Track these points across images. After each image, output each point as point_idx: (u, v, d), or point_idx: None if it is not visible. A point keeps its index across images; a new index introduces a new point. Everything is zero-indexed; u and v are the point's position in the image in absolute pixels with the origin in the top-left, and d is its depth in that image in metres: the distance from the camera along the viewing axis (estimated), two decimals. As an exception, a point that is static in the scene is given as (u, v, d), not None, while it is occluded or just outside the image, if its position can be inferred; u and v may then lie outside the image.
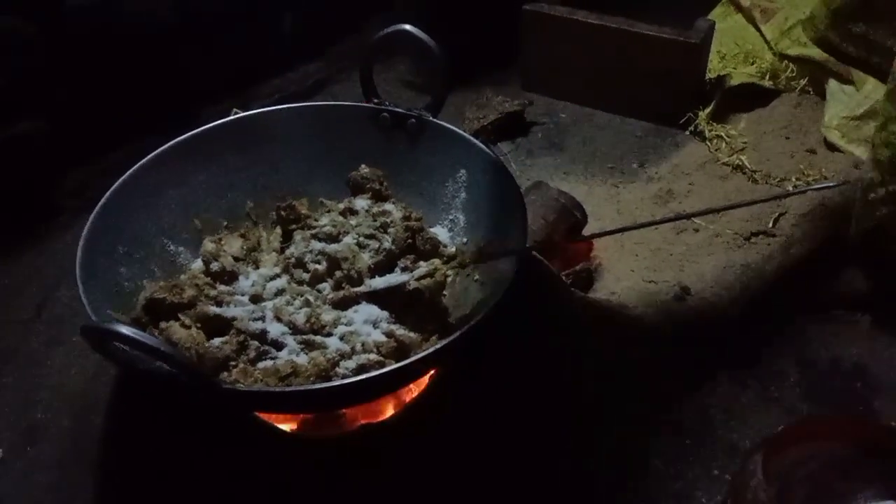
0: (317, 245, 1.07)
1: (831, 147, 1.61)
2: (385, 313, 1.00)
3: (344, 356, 0.94)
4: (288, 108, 1.17)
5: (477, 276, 1.06)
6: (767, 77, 1.79)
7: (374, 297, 1.01)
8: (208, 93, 1.70)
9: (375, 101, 1.15)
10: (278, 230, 1.13)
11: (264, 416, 0.97)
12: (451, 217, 1.15)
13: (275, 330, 0.96)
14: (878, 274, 1.30)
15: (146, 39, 1.59)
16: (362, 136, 1.16)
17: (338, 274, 1.04)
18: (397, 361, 0.83)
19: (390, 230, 1.08)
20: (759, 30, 1.89)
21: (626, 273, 1.41)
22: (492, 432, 1.01)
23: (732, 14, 1.98)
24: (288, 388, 0.88)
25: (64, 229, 1.46)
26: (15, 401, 1.16)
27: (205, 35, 1.71)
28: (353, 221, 1.10)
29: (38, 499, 1.03)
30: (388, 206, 1.12)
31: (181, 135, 1.09)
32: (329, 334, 0.97)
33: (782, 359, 1.22)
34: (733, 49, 1.88)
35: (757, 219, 1.47)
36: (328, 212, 1.13)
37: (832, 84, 1.67)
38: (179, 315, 0.95)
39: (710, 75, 1.82)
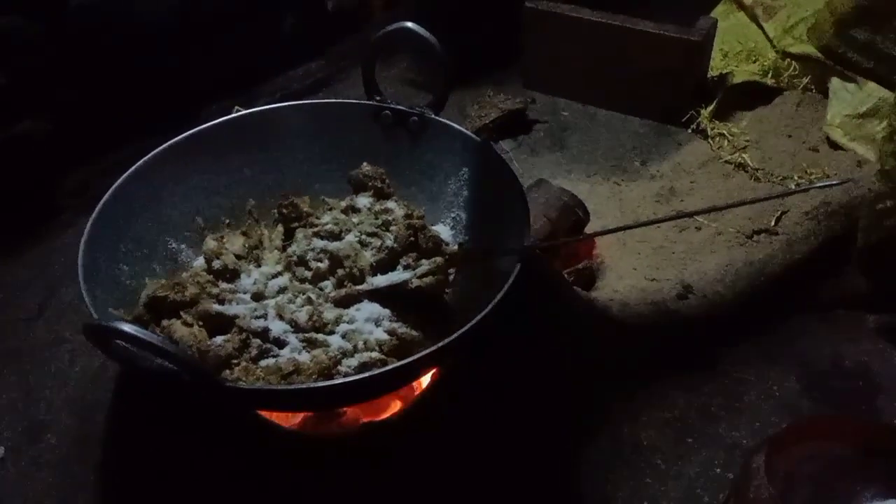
0: (319, 243, 1.07)
1: (834, 145, 1.60)
2: (387, 311, 1.00)
3: (346, 354, 0.94)
4: (290, 105, 1.17)
5: (479, 275, 1.06)
6: (770, 75, 1.79)
7: (376, 296, 1.01)
8: (210, 91, 1.70)
9: (377, 98, 1.15)
10: (280, 228, 1.13)
11: (266, 415, 0.97)
12: (453, 215, 1.14)
13: (277, 328, 0.96)
14: (881, 274, 1.30)
15: (148, 38, 1.59)
16: (364, 134, 1.16)
17: (340, 272, 1.04)
18: (399, 360, 0.83)
19: (392, 228, 1.08)
20: (761, 28, 1.88)
21: (628, 271, 1.41)
22: (493, 430, 1.01)
23: (735, 12, 1.97)
24: (290, 386, 0.88)
25: (65, 228, 1.46)
26: (17, 399, 1.16)
27: (207, 33, 1.71)
28: (355, 219, 1.10)
29: (41, 497, 1.03)
30: (390, 204, 1.12)
31: (183, 133, 1.09)
32: (331, 332, 0.97)
33: (784, 358, 1.22)
34: (735, 47, 1.88)
35: (759, 217, 1.47)
36: (330, 210, 1.13)
37: (835, 82, 1.66)
38: (181, 313, 0.95)
39: (712, 73, 1.81)
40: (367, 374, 0.82)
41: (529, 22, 1.85)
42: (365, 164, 1.15)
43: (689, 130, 1.75)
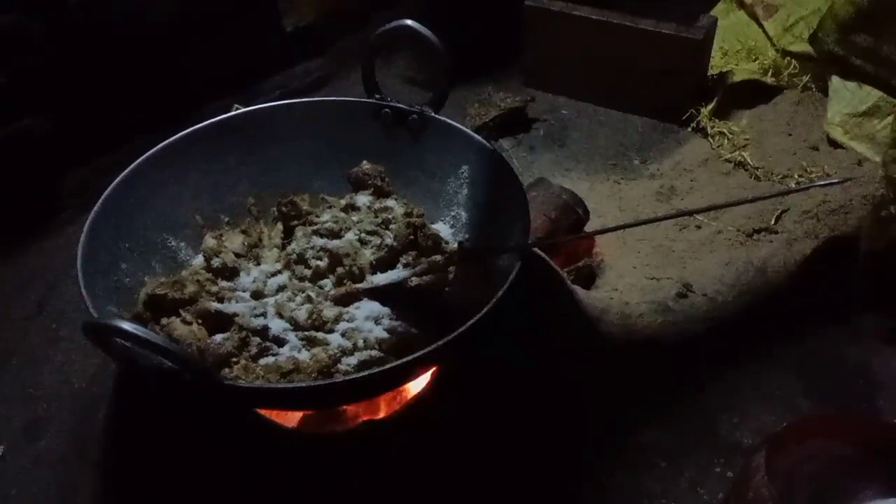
0: (318, 241, 1.06)
1: (834, 144, 1.60)
2: (387, 310, 1.00)
3: (346, 352, 0.94)
4: (289, 104, 1.17)
5: (478, 273, 1.06)
6: (770, 74, 1.79)
7: (376, 294, 1.01)
8: (210, 89, 1.70)
9: (377, 96, 1.15)
10: (279, 226, 1.13)
11: (266, 413, 0.97)
12: (452, 213, 1.14)
13: (276, 326, 0.96)
14: (884, 279, 1.30)
15: (148, 37, 1.58)
16: (364, 132, 1.15)
17: (339, 270, 1.04)
18: (399, 358, 0.83)
19: (392, 226, 1.08)
20: (761, 26, 1.88)
21: (628, 270, 1.41)
22: (492, 429, 1.01)
23: (735, 10, 1.97)
24: (290, 385, 0.88)
25: (65, 226, 1.45)
26: (17, 397, 1.16)
27: (206, 32, 1.70)
28: (354, 218, 1.10)
29: (41, 495, 1.03)
30: (390, 203, 1.12)
31: (182, 131, 1.09)
32: (331, 331, 0.97)
33: (785, 356, 1.22)
34: (736, 45, 1.88)
35: (759, 216, 1.47)
36: (330, 208, 1.13)
37: (835, 81, 1.66)
38: (181, 311, 0.95)
39: (712, 72, 1.81)
40: (366, 373, 0.82)
41: (529, 20, 1.85)
42: (365, 162, 1.14)
43: (689, 129, 1.75)
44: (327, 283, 1.05)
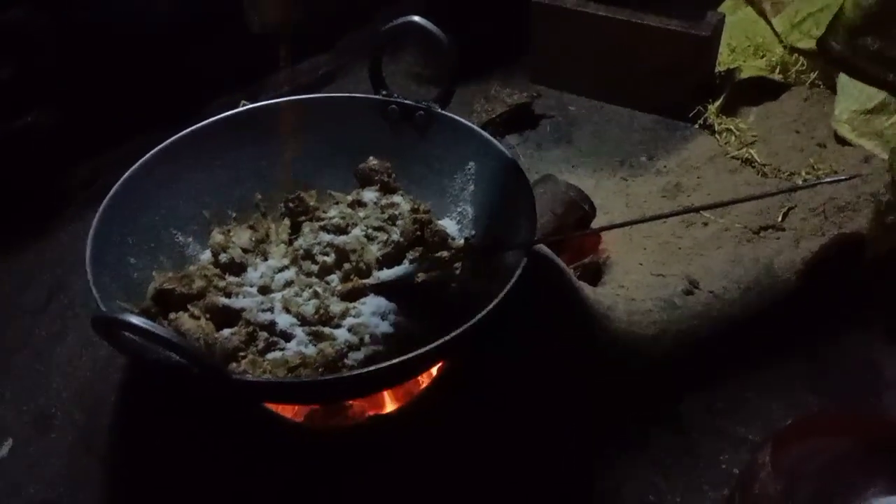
0: (325, 237, 1.07)
1: (841, 141, 1.60)
2: (393, 305, 1.00)
3: (352, 348, 0.94)
4: (296, 99, 1.17)
5: (485, 269, 1.06)
6: (777, 70, 1.78)
7: (383, 290, 1.01)
8: (217, 85, 1.70)
9: (384, 92, 1.15)
10: (287, 222, 1.13)
11: (273, 407, 0.97)
12: (459, 209, 1.14)
13: (283, 321, 0.97)
14: (887, 272, 1.29)
15: (155, 31, 1.59)
16: (371, 129, 1.16)
17: (346, 266, 1.04)
18: (405, 353, 0.83)
19: (398, 222, 1.08)
20: (769, 23, 1.88)
21: (634, 266, 1.41)
22: (498, 424, 1.01)
23: (742, 7, 1.97)
24: (297, 379, 0.88)
25: (72, 221, 1.46)
26: (25, 390, 1.17)
27: (214, 27, 1.71)
28: (361, 213, 1.10)
29: (50, 486, 1.04)
30: (397, 199, 1.12)
31: (190, 127, 1.09)
32: (337, 326, 0.98)
33: (791, 353, 1.22)
34: (743, 42, 1.87)
35: (766, 213, 1.47)
36: (336, 204, 1.13)
37: (843, 77, 1.66)
38: (188, 306, 0.96)
39: (719, 68, 1.81)
40: (372, 368, 0.82)
41: (537, 16, 1.85)
42: (371, 158, 1.15)
43: (696, 126, 1.75)
44: (334, 278, 1.05)
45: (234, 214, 1.14)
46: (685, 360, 1.21)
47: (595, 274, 1.39)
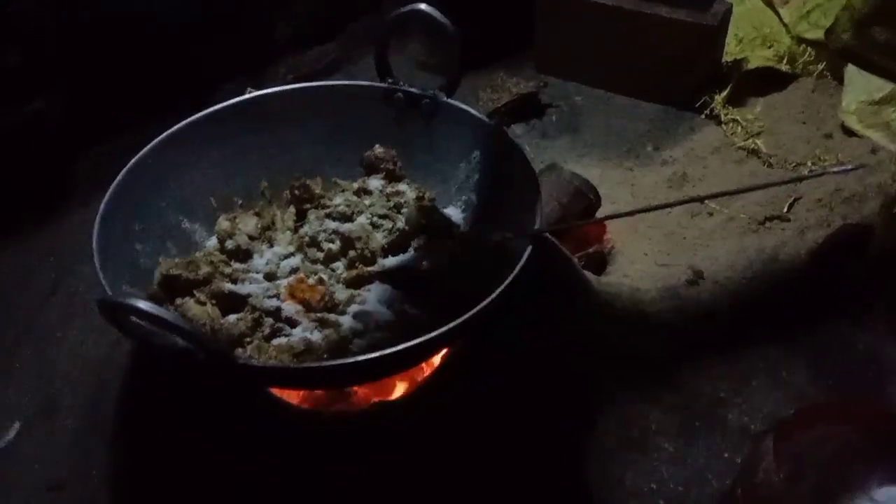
0: (331, 224, 1.07)
1: (848, 132, 1.60)
2: (398, 293, 1.01)
3: (357, 334, 0.94)
4: (302, 87, 1.17)
5: (489, 258, 1.06)
6: (784, 61, 1.78)
7: (387, 277, 1.02)
8: (223, 72, 1.70)
9: (390, 81, 1.15)
10: (292, 209, 1.13)
11: (278, 393, 0.98)
12: (464, 198, 1.15)
13: (289, 307, 0.97)
14: (893, 261, 1.29)
15: (162, 19, 1.59)
16: (376, 117, 1.16)
17: (351, 253, 1.04)
18: (409, 340, 0.83)
19: (404, 210, 1.08)
20: (777, 13, 1.87)
21: (639, 256, 1.41)
22: (501, 412, 1.01)
23: (750, -3, 1.96)
24: (302, 364, 0.88)
25: (79, 207, 1.47)
26: (32, 375, 1.18)
27: (220, 15, 1.71)
28: (366, 201, 1.10)
29: (56, 470, 1.05)
30: (402, 187, 1.12)
31: (196, 114, 1.09)
32: (343, 313, 0.98)
33: (794, 344, 1.22)
34: (750, 32, 1.87)
35: (771, 204, 1.47)
36: (342, 191, 1.14)
37: (850, 68, 1.65)
38: (195, 292, 0.96)
39: (726, 59, 1.80)
40: (377, 354, 0.82)
41: (544, 5, 1.84)
42: (377, 146, 1.15)
43: (703, 116, 1.75)
44: (339, 265, 1.05)
45: (240, 201, 1.14)
46: (689, 349, 1.21)
47: (600, 263, 1.39)
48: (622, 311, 1.22)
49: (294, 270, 1.03)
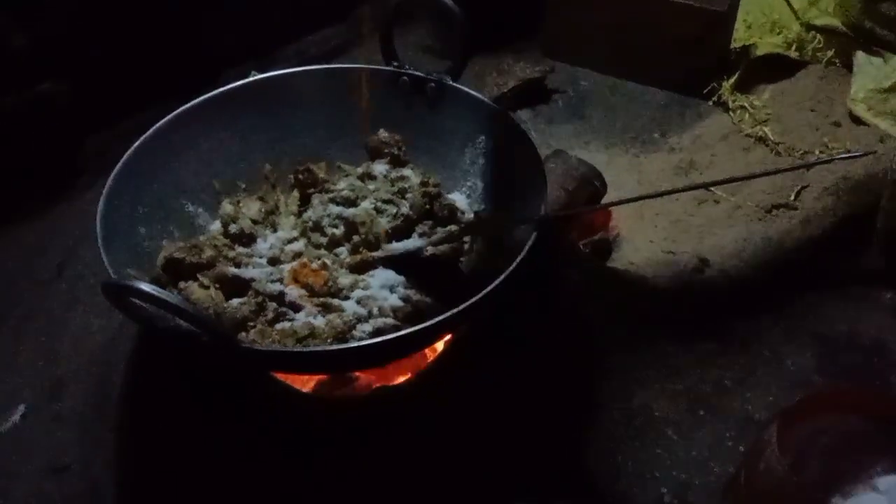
0: (334, 209, 1.07)
1: (857, 120, 1.58)
2: (402, 278, 1.01)
3: (360, 319, 0.94)
4: (306, 70, 1.16)
5: (494, 243, 1.06)
6: (793, 48, 1.76)
7: (391, 262, 1.02)
8: (227, 55, 1.70)
9: (395, 64, 1.14)
10: (296, 194, 1.13)
11: (281, 377, 0.98)
12: (469, 183, 1.14)
13: (292, 292, 0.97)
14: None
15: (168, 1, 1.58)
16: (381, 101, 1.15)
17: (355, 238, 1.04)
18: (413, 326, 0.83)
19: (408, 196, 1.08)
20: (786, -1, 1.85)
21: (645, 244, 1.40)
22: (504, 398, 1.01)
23: (759, -17, 1.94)
24: (306, 349, 0.89)
25: (84, 190, 1.46)
26: (37, 358, 1.18)
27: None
28: (371, 186, 1.10)
29: (61, 454, 1.05)
30: (407, 172, 1.12)
31: (200, 97, 1.09)
32: (346, 298, 0.98)
33: (800, 332, 1.21)
34: (759, 18, 1.85)
35: (778, 191, 1.46)
36: (346, 176, 1.13)
37: (859, 56, 1.64)
38: (198, 275, 0.96)
39: (735, 45, 1.78)
40: (380, 339, 0.83)
41: (551, -10, 1.83)
42: (381, 130, 1.14)
43: (710, 103, 1.73)
44: (343, 250, 1.05)
45: (243, 185, 1.14)
46: (694, 337, 1.20)
47: (605, 250, 1.39)
48: (627, 299, 1.22)
49: (298, 255, 1.03)
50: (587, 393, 1.10)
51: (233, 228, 1.05)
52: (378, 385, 1.00)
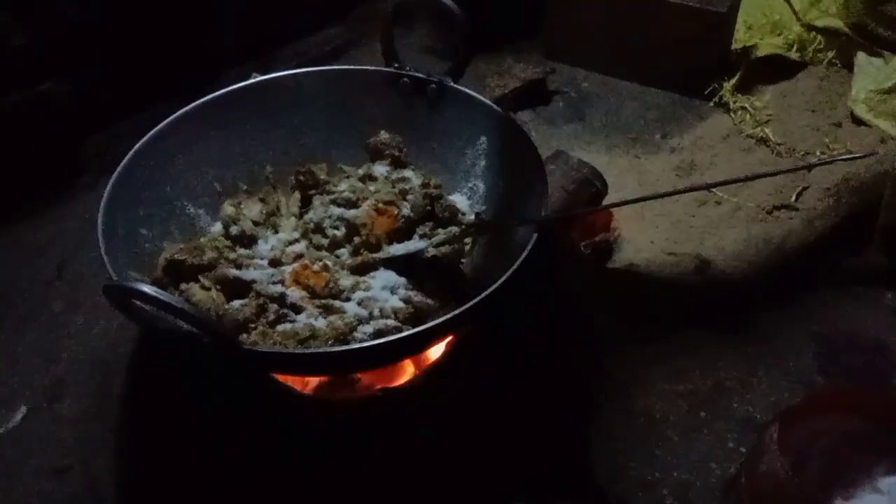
0: (335, 210, 1.07)
1: (857, 121, 1.59)
2: (403, 280, 1.00)
3: (362, 321, 0.94)
4: (307, 72, 1.16)
5: (495, 245, 1.06)
6: (794, 49, 1.76)
7: (393, 264, 1.02)
8: (228, 57, 1.70)
9: (396, 65, 1.14)
10: (297, 195, 1.13)
11: (282, 379, 0.98)
12: (470, 185, 1.14)
13: (293, 294, 0.97)
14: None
15: (169, 2, 1.58)
16: (382, 102, 1.15)
17: (356, 240, 1.04)
18: (414, 327, 0.83)
19: (409, 197, 1.08)
20: (787, 0, 1.85)
21: (645, 244, 1.40)
22: (506, 399, 1.01)
23: (760, -17, 1.94)
24: (307, 350, 0.88)
25: (85, 191, 1.46)
26: (38, 359, 1.18)
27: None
28: (372, 187, 1.10)
29: (61, 455, 1.05)
30: (408, 173, 1.12)
31: (201, 98, 1.09)
32: (347, 299, 0.98)
33: (801, 333, 1.21)
34: (760, 19, 1.85)
35: (779, 193, 1.46)
36: (347, 177, 1.13)
37: (860, 57, 1.64)
38: (199, 277, 0.96)
39: (735, 46, 1.78)
40: (382, 340, 0.83)
41: (552, -9, 1.83)
42: (382, 131, 1.14)
43: (711, 104, 1.73)
44: (344, 252, 1.05)
45: (244, 187, 1.14)
46: (694, 338, 1.21)
47: (606, 252, 1.39)
48: (628, 300, 1.22)
49: (299, 256, 1.03)
50: (588, 394, 1.10)
51: (234, 230, 1.05)
52: (379, 387, 1.00)
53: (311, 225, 1.07)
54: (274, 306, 0.94)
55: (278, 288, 0.96)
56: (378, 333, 0.93)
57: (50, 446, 1.06)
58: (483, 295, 0.83)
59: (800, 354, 1.18)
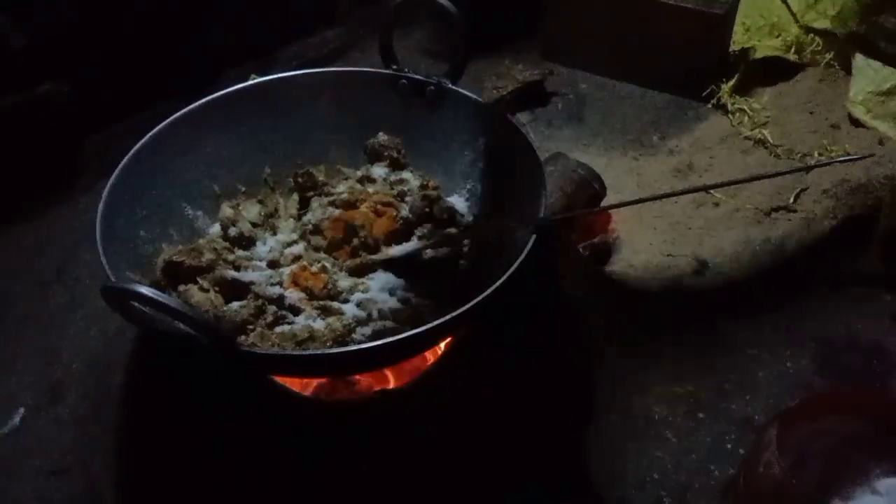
0: (334, 212, 1.07)
1: (856, 123, 1.59)
2: (401, 281, 1.00)
3: (360, 322, 0.94)
4: (306, 73, 1.16)
5: (493, 246, 1.06)
6: (792, 50, 1.76)
7: (391, 265, 1.02)
8: (227, 58, 1.70)
9: (394, 67, 1.14)
10: (295, 197, 1.13)
11: (280, 380, 0.98)
12: (468, 186, 1.14)
13: (292, 295, 0.97)
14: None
15: (168, 3, 1.58)
16: (381, 103, 1.15)
17: (355, 241, 1.04)
18: (412, 329, 0.83)
19: (408, 199, 1.08)
20: (785, 2, 1.85)
21: (644, 246, 1.40)
22: (504, 400, 1.01)
23: (758, -15, 1.94)
24: (306, 352, 0.88)
25: (83, 192, 1.46)
26: (36, 360, 1.18)
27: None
28: (370, 189, 1.10)
29: (60, 457, 1.05)
30: (406, 175, 1.12)
31: (200, 99, 1.09)
32: (345, 301, 0.98)
33: (799, 335, 1.21)
34: (758, 21, 1.85)
35: (778, 194, 1.46)
36: (345, 179, 1.13)
37: (858, 58, 1.64)
38: (198, 278, 0.96)
39: (733, 47, 1.78)
40: (380, 342, 0.82)
41: (550, -7, 1.83)
42: (381, 133, 1.14)
43: (710, 105, 1.73)
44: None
45: (243, 188, 1.14)
46: (693, 340, 1.21)
47: (605, 253, 1.39)
48: (626, 301, 1.22)
49: (297, 258, 1.03)
50: (587, 395, 1.10)
51: (232, 231, 1.05)
52: (378, 388, 1.00)
53: (310, 226, 1.07)
54: (272, 308, 0.94)
55: (277, 289, 0.96)
56: (376, 335, 0.93)
57: (48, 447, 1.06)
58: (482, 296, 0.83)
59: (798, 356, 1.18)
